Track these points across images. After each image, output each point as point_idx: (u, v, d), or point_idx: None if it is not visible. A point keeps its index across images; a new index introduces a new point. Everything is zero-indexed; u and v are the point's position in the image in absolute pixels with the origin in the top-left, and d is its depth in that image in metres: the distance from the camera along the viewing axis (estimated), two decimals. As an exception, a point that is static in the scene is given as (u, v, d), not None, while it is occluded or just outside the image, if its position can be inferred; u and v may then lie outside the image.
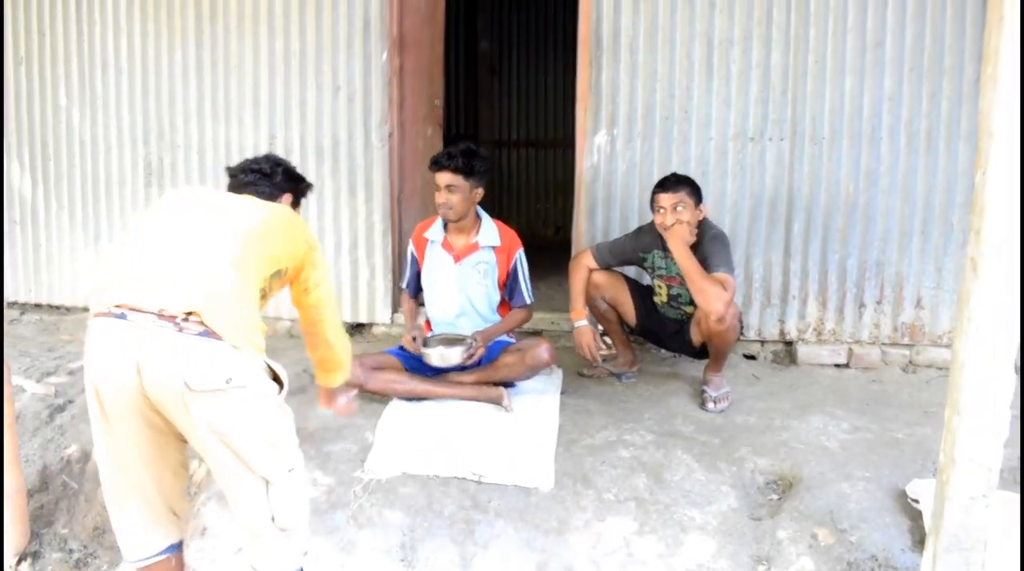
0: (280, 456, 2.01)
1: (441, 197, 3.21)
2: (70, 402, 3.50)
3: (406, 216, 4.23)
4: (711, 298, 3.04)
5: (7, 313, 4.80)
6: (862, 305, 3.80)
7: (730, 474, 2.83)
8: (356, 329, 4.29)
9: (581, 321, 3.34)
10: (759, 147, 3.75)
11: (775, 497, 2.77)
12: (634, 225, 3.78)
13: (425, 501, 2.72)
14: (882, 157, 3.68)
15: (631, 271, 3.64)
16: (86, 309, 4.57)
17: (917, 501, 2.59)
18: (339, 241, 4.19)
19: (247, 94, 4.18)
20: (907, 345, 3.81)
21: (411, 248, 3.45)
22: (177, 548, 2.19)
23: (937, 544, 2.11)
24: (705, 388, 3.37)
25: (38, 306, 4.77)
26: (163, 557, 2.15)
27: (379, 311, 4.21)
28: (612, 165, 3.88)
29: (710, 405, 3.29)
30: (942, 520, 2.10)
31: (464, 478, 2.79)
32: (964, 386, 2.03)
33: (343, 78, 4.07)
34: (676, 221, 3.15)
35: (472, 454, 2.87)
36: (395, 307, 4.22)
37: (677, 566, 2.48)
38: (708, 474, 2.82)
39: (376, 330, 4.27)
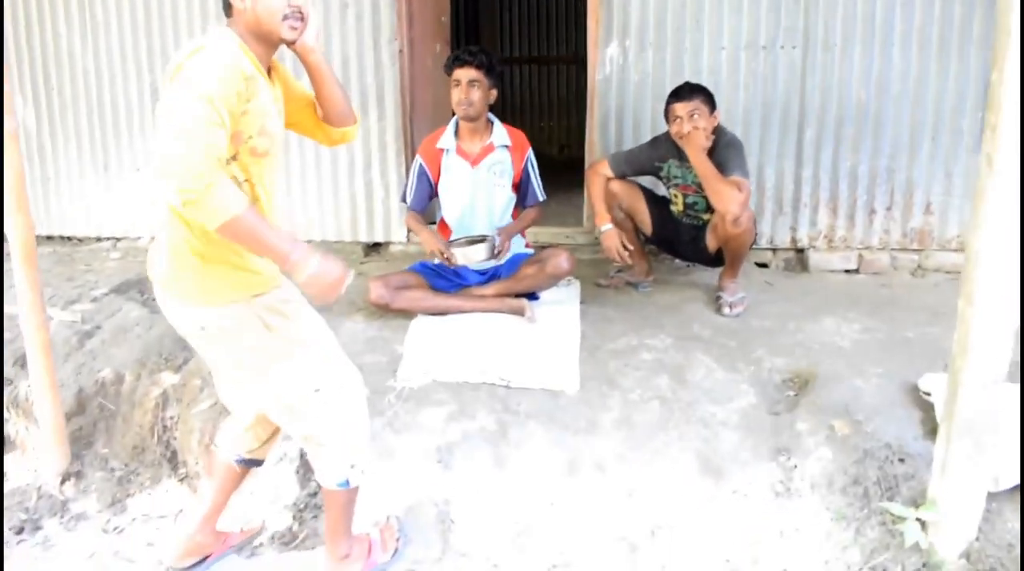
0: (278, 381, 2.07)
1: (462, 93, 3.28)
2: (98, 328, 3.63)
3: (418, 134, 4.29)
4: (728, 200, 3.15)
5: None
6: (872, 212, 3.92)
7: (748, 373, 2.99)
8: (372, 248, 4.41)
9: (607, 225, 3.47)
10: (771, 56, 3.81)
11: (792, 393, 2.94)
12: (647, 136, 3.86)
13: (457, 407, 2.88)
14: (894, 63, 3.74)
15: (645, 182, 3.74)
16: (99, 239, 4.68)
17: (929, 394, 2.75)
18: (352, 161, 4.26)
19: (252, 15, 4.19)
20: (916, 250, 3.95)
21: (420, 162, 3.48)
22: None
23: (951, 429, 2.27)
24: (721, 294, 3.51)
25: (49, 238, 4.86)
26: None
27: (395, 230, 4.32)
28: (624, 76, 3.93)
29: (726, 310, 3.44)
30: (955, 406, 2.26)
31: (493, 384, 2.95)
32: (978, 278, 2.16)
33: (350, -6, 4.08)
34: (692, 128, 3.23)
35: (499, 361, 3.03)
36: (410, 226, 4.32)
37: (702, 458, 2.65)
38: (727, 374, 2.98)
39: (393, 249, 4.38)
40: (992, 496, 2.34)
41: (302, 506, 2.72)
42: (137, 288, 4.02)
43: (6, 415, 3.37)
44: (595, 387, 2.94)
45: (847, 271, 4.00)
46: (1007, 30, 2.01)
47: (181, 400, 3.19)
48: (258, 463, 2.45)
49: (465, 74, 3.26)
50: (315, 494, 2.72)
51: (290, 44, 2.02)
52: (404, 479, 2.68)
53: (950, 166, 3.80)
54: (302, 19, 2.01)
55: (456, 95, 3.30)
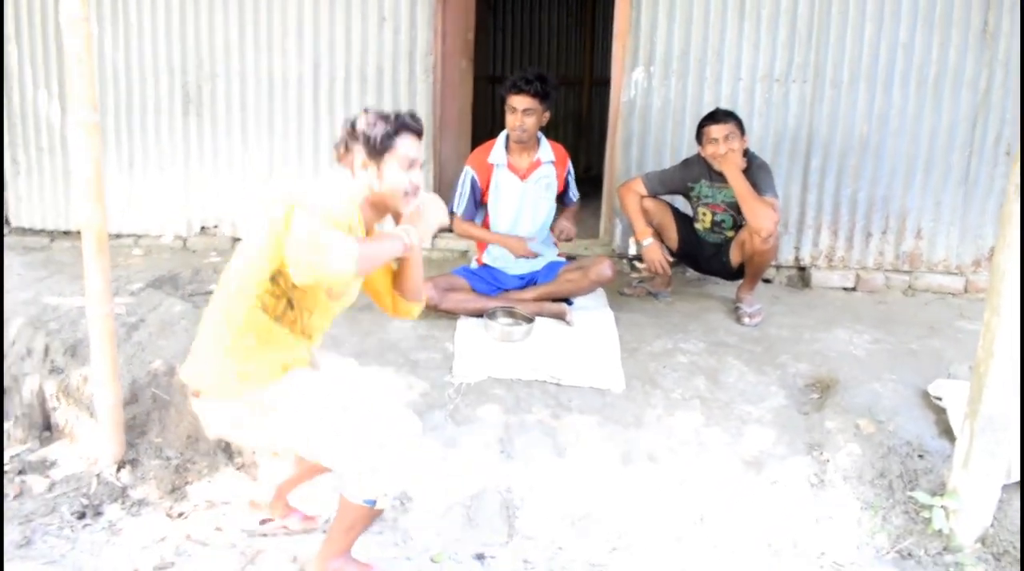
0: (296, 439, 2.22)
1: (517, 120, 3.50)
2: (142, 321, 3.72)
3: (444, 144, 4.50)
4: (763, 217, 3.45)
5: (35, 240, 4.92)
6: (869, 235, 4.28)
7: (776, 376, 3.28)
8: (398, 255, 4.58)
9: (649, 239, 3.73)
10: (784, 88, 4.15)
11: (816, 396, 3.23)
12: (667, 159, 4.16)
13: (513, 401, 3.09)
14: (894, 101, 4.11)
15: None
16: (119, 236, 4.74)
17: (940, 399, 3.08)
18: (381, 170, 4.44)
19: (290, 24, 4.36)
20: (907, 272, 4.32)
21: (471, 174, 3.67)
22: None
23: (974, 425, 2.58)
24: (740, 305, 3.81)
25: (67, 233, 4.90)
26: None
27: (420, 238, 4.50)
28: (648, 101, 4.22)
29: (746, 320, 3.73)
30: (980, 404, 2.57)
31: (544, 381, 3.17)
32: (1004, 292, 2.48)
33: (388, 9, 4.29)
34: (728, 150, 3.52)
35: (548, 360, 3.25)
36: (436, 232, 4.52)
37: (743, 452, 2.92)
38: (757, 376, 3.26)
39: (417, 256, 4.57)
40: (1004, 487, 2.66)
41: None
42: (171, 283, 4.12)
43: (55, 403, 3.44)
44: (638, 386, 3.18)
45: (845, 289, 4.34)
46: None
47: (234, 392, 3.31)
48: None
49: (521, 102, 3.48)
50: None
51: (398, 216, 2.21)
52: (468, 468, 2.87)
53: (939, 196, 4.19)
54: (416, 195, 2.18)
55: (511, 120, 3.52)
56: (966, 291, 4.25)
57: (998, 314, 2.50)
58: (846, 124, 4.15)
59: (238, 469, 3.16)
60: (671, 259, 3.89)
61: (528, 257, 3.62)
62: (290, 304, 2.12)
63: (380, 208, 2.18)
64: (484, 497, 2.81)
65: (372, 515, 2.24)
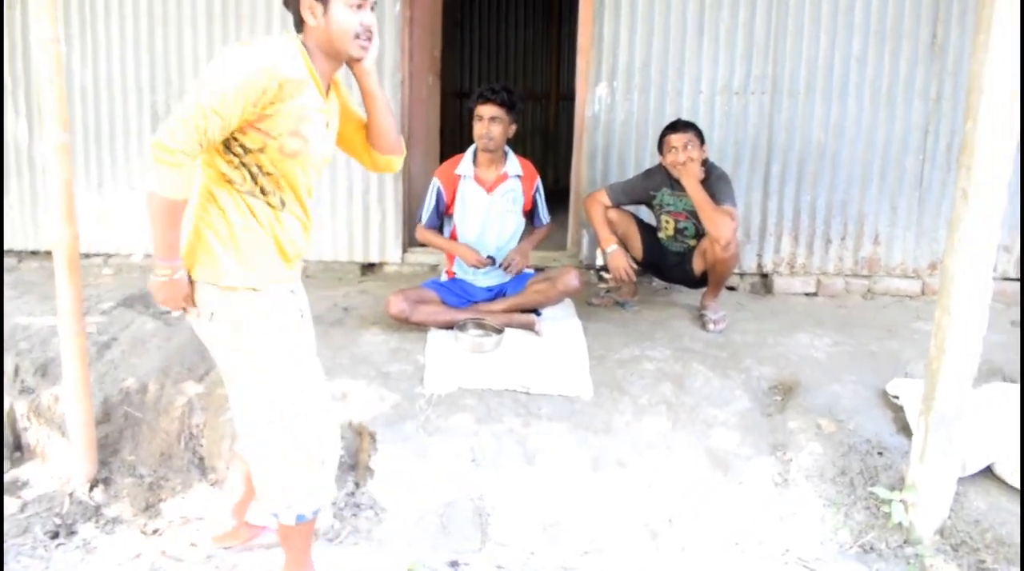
0: (247, 393, 2.17)
1: (483, 128, 3.57)
2: (114, 339, 3.73)
3: (413, 161, 4.56)
4: (720, 226, 3.55)
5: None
6: (829, 241, 4.40)
7: (740, 381, 3.36)
8: (368, 268, 4.63)
9: (613, 246, 3.81)
10: (743, 100, 4.26)
11: (779, 398, 3.32)
12: (631, 171, 4.25)
13: (484, 411, 3.14)
14: (849, 110, 4.24)
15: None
16: (88, 255, 4.74)
17: (897, 397, 3.18)
18: (351, 186, 4.50)
19: (258, 43, 4.39)
20: (866, 276, 4.44)
21: (438, 185, 3.74)
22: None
23: (929, 420, 2.68)
24: (704, 312, 3.90)
25: (35, 253, 4.88)
26: None
27: (390, 251, 4.56)
28: (612, 115, 4.31)
29: (711, 326, 3.81)
30: (933, 401, 2.66)
31: (515, 390, 3.23)
32: (954, 293, 2.58)
33: (355, 29, 4.33)
34: (687, 158, 3.62)
35: (517, 370, 3.31)
36: (405, 246, 4.57)
37: (710, 454, 3.00)
38: (722, 381, 3.34)
39: (388, 269, 4.62)
40: (960, 480, 2.75)
41: (342, 505, 2.91)
42: (143, 302, 4.13)
43: (26, 423, 3.43)
44: (607, 393, 3.25)
45: (807, 294, 4.45)
46: (980, 88, 2.45)
47: (207, 408, 3.33)
48: None
49: (487, 110, 3.56)
50: (353, 493, 2.93)
51: (354, 63, 2.15)
52: (441, 477, 2.91)
53: (895, 201, 4.32)
54: (370, 39, 2.12)
55: (478, 128, 3.59)
56: (923, 293, 4.38)
57: (949, 314, 2.60)
58: (804, 133, 4.27)
59: (212, 485, 3.17)
60: (636, 268, 3.97)
61: (479, 268, 3.67)
62: (252, 174, 2.08)
63: (333, 55, 2.10)
64: (456, 505, 2.85)
65: (309, 527, 2.32)
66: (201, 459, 3.26)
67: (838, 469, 2.94)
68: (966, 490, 2.77)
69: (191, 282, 2.14)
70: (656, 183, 3.86)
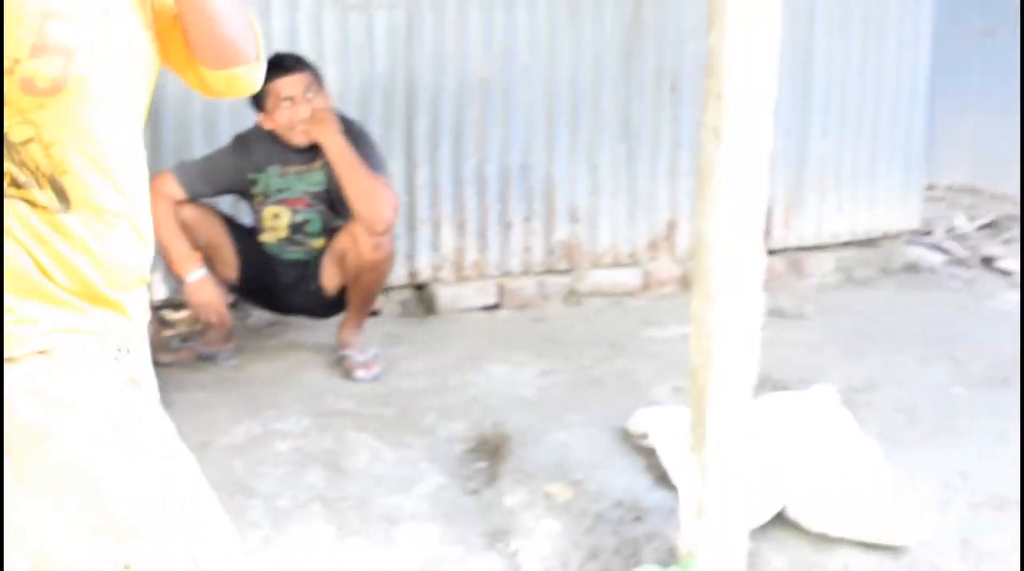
0: None
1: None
2: None
3: None
4: (381, 201, 3.68)
5: None
6: (508, 224, 4.71)
7: (423, 448, 3.47)
8: None
9: (198, 271, 3.72)
10: (364, 17, 4.41)
11: (484, 464, 3.48)
12: (197, 146, 4.17)
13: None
14: (519, 27, 4.59)
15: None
16: None
17: (645, 436, 3.49)
18: None
19: None
20: (565, 271, 4.84)
21: None
22: None
23: (703, 457, 2.97)
24: (346, 353, 3.97)
25: None
26: None
27: None
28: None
29: (360, 373, 3.90)
30: (704, 428, 2.96)
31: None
32: (714, 269, 2.89)
33: None
34: (314, 109, 3.67)
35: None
36: None
37: (404, 566, 3.04)
38: (397, 452, 3.43)
39: None
40: (752, 534, 3.09)
41: None
42: None
43: None
44: (225, 500, 3.15)
45: (487, 307, 4.73)
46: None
47: None
48: None
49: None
50: None
51: None
52: None
53: (595, 157, 4.77)
54: None
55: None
56: (647, 287, 4.88)
57: (711, 301, 2.90)
58: (458, 65, 4.54)
59: None
60: (229, 298, 3.91)
61: None
62: None
63: None
64: None
65: None
66: None
67: (586, 552, 3.14)
68: (757, 547, 3.12)
69: None
70: (257, 159, 3.85)
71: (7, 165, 1.66)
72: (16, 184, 1.68)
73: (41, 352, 1.65)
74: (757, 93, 2.80)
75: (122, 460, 1.71)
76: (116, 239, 1.75)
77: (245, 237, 3.99)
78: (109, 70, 1.73)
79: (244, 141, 3.91)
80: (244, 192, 3.94)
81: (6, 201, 1.67)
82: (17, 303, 1.67)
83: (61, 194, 1.71)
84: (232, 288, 4.00)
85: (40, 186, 1.68)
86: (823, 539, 3.19)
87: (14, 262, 1.66)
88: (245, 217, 4.12)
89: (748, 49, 2.77)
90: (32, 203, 1.69)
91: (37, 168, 1.69)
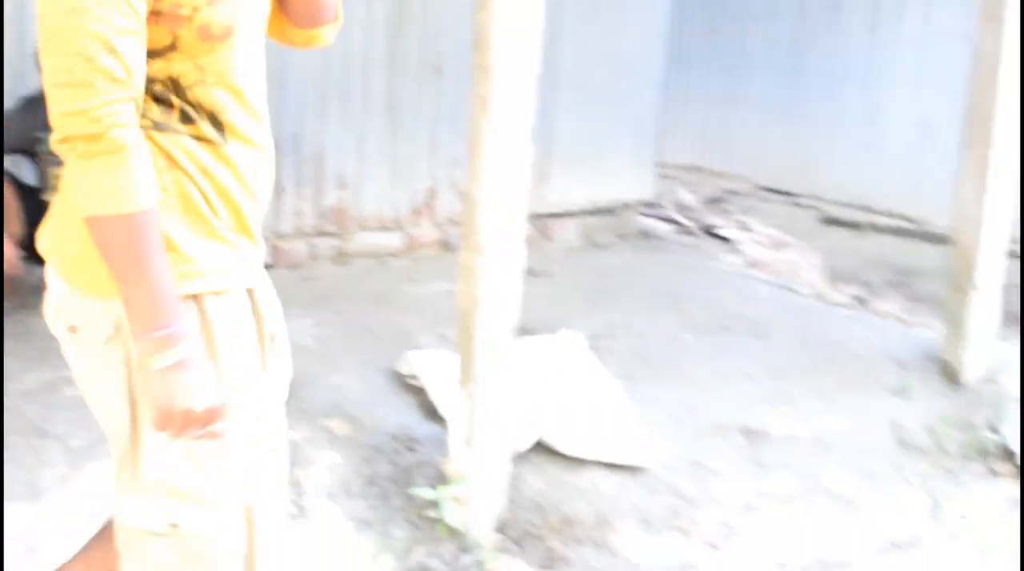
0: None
1: None
2: None
3: None
4: None
5: None
6: (281, 189, 4.96)
7: (211, 391, 3.71)
8: None
9: None
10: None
11: (268, 404, 3.75)
12: None
13: None
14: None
15: None
16: None
17: (415, 377, 3.85)
18: None
19: None
20: (335, 234, 5.14)
21: None
22: None
23: (471, 391, 3.33)
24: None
25: None
26: None
27: None
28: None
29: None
30: (473, 366, 3.31)
31: None
32: (482, 226, 3.25)
33: None
34: None
35: None
36: None
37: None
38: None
39: None
40: (515, 459, 3.48)
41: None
42: None
43: None
44: (20, 442, 3.33)
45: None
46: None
47: None
48: None
49: None
50: None
51: None
52: None
53: (363, 129, 5.08)
54: None
55: None
56: (409, 249, 5.24)
57: (479, 252, 3.25)
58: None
59: None
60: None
61: None
62: (161, 95, 1.81)
63: None
64: None
65: None
66: None
67: (365, 479, 3.48)
68: (518, 471, 3.52)
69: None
70: (45, 118, 3.93)
71: (179, 103, 1.81)
72: (187, 119, 1.83)
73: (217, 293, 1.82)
74: (521, 66, 3.17)
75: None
76: (262, 167, 1.95)
77: (30, 195, 4.09)
78: (255, 18, 1.90)
79: (32, 102, 4.02)
80: (30, 151, 4.05)
81: (175, 137, 1.82)
82: (184, 238, 1.82)
83: (219, 127, 1.87)
84: (18, 245, 4.08)
85: (204, 121, 1.84)
86: (575, 462, 3.62)
87: (184, 193, 1.82)
88: (27, 176, 4.20)
89: (513, 26, 3.14)
90: (198, 138, 1.85)
91: (200, 105, 1.84)
